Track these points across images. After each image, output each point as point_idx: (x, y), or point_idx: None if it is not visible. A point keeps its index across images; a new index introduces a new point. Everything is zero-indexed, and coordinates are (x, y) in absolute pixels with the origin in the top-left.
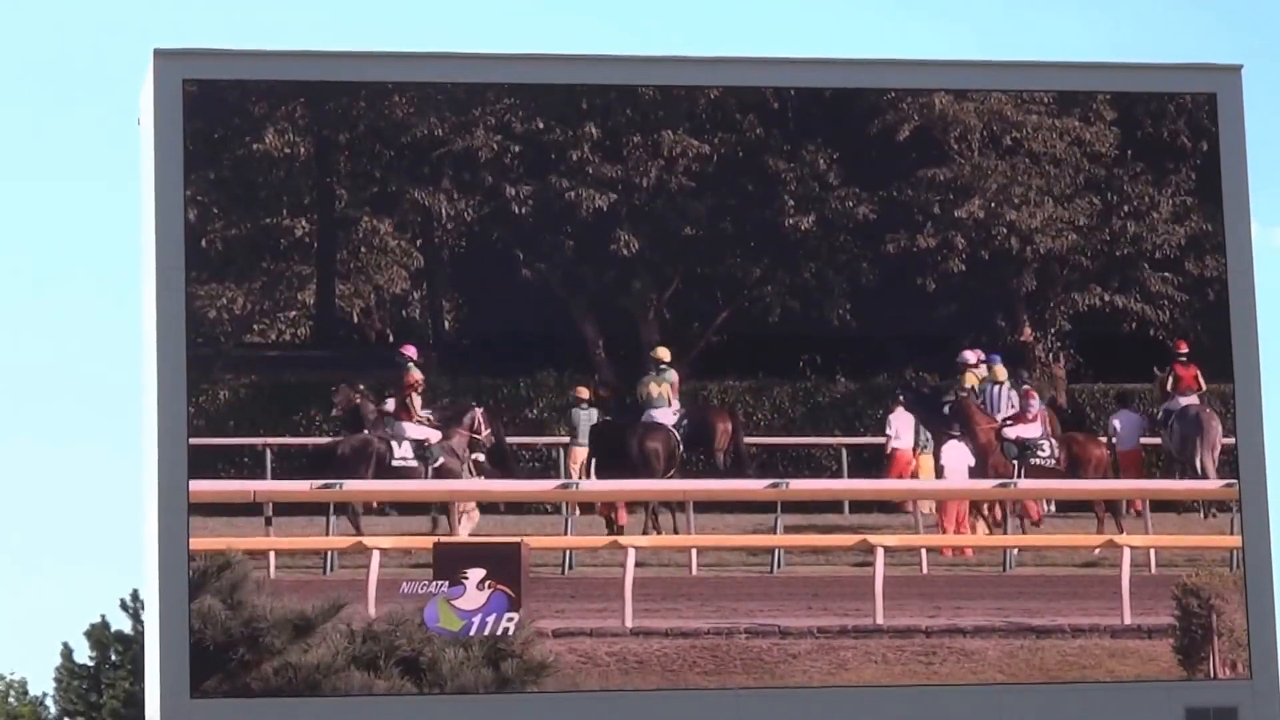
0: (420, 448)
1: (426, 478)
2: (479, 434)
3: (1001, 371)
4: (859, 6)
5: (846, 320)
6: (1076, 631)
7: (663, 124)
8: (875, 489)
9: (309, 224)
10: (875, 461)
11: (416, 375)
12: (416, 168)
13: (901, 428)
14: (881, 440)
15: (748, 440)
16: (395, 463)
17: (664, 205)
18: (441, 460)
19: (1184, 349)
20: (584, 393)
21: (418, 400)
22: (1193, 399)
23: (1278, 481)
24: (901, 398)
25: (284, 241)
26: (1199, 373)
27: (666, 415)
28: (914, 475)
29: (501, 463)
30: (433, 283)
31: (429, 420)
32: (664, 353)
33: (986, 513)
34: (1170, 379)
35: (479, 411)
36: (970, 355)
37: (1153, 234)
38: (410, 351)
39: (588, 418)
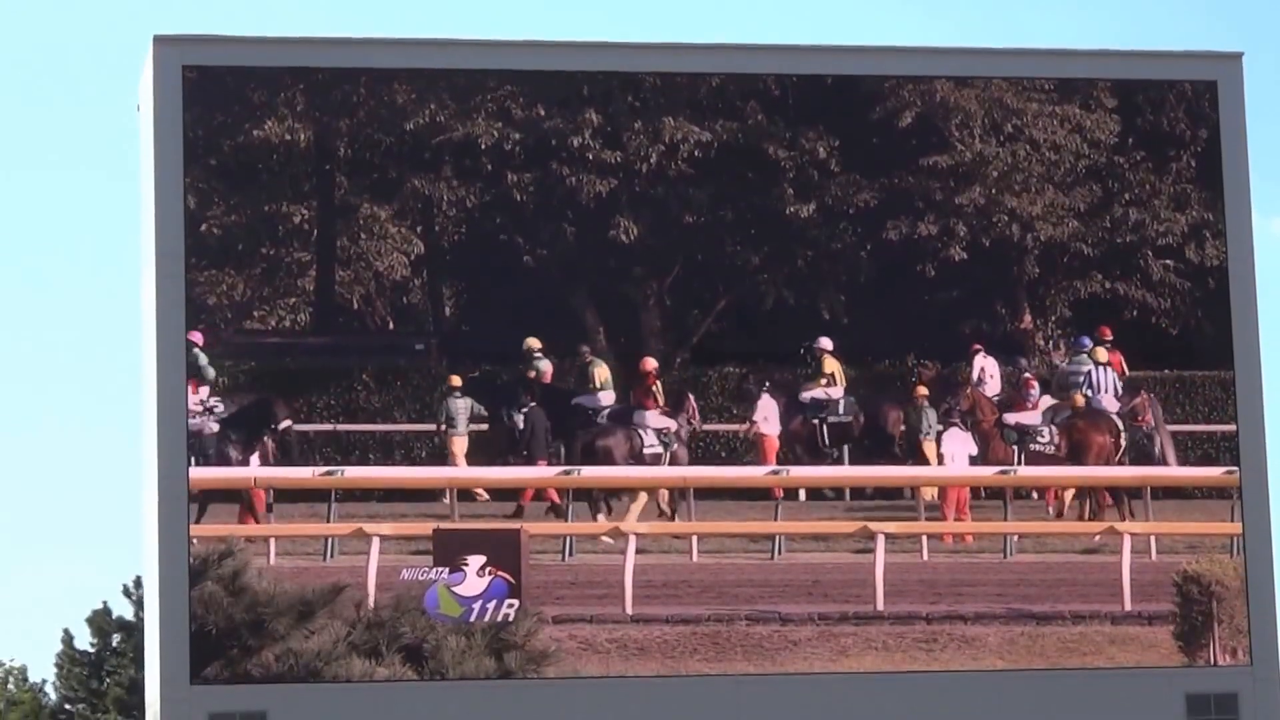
0: (663, 436)
1: (666, 464)
2: (694, 419)
3: (1102, 353)
4: None
5: (846, 307)
6: (1077, 618)
7: (663, 111)
8: (876, 476)
9: (309, 211)
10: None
11: (653, 363)
12: (417, 155)
13: (769, 413)
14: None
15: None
16: (646, 451)
17: (665, 192)
18: (675, 447)
19: (1109, 335)
20: (456, 381)
21: (659, 389)
22: (1121, 385)
23: (1278, 469)
24: (766, 385)
25: (284, 228)
26: (1123, 359)
27: (607, 397)
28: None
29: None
30: (433, 270)
31: (665, 409)
32: (534, 342)
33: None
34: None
35: (692, 398)
36: (825, 342)
37: (1154, 221)
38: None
39: (465, 407)
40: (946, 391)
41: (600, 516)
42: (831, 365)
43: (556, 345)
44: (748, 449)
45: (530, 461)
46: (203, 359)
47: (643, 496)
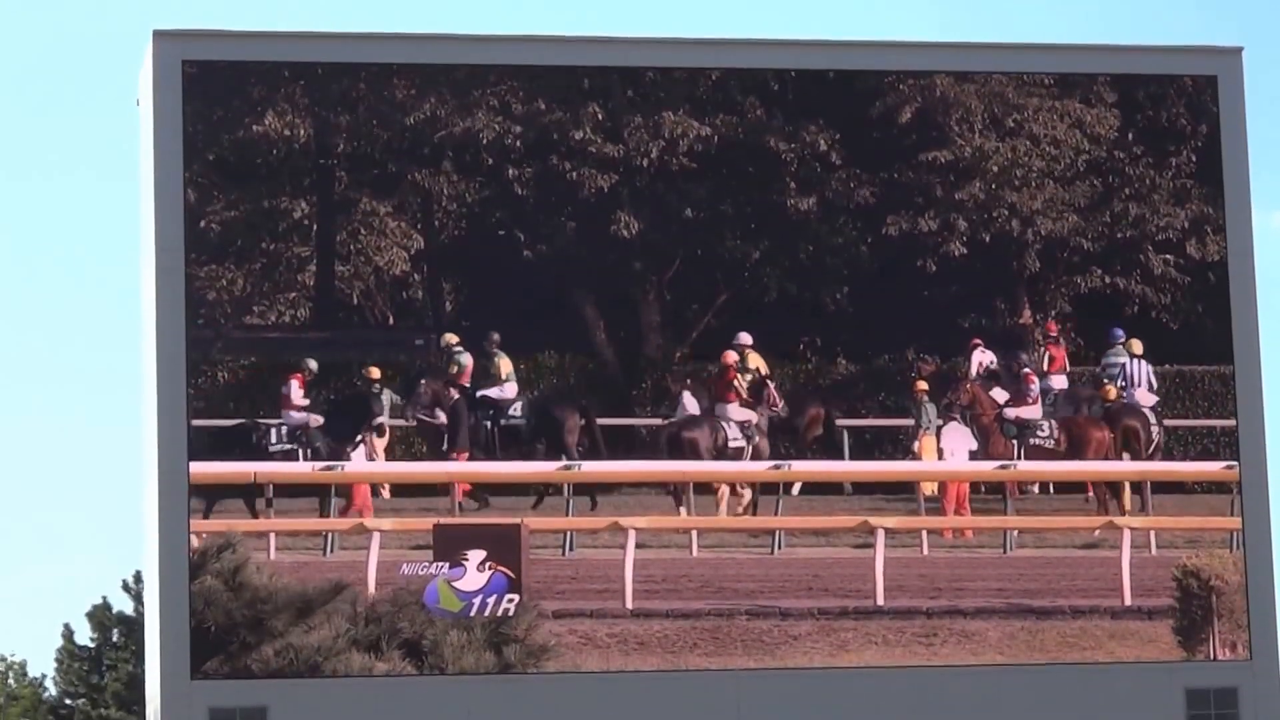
0: (745, 429)
1: (748, 458)
2: (775, 408)
3: (1138, 345)
4: None
5: (847, 302)
6: (1076, 613)
7: (663, 105)
8: (876, 471)
9: (308, 206)
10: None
11: (734, 356)
12: (416, 149)
13: (691, 409)
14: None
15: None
16: (730, 445)
17: (665, 187)
18: (757, 440)
19: (1054, 330)
20: (375, 373)
21: (742, 382)
22: (1064, 380)
23: (1278, 463)
24: (687, 382)
25: (283, 223)
26: (1066, 355)
27: (510, 389)
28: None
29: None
30: (433, 264)
31: (747, 401)
32: (452, 337)
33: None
34: (1046, 360)
35: (773, 386)
36: (745, 337)
37: (1154, 216)
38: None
39: (387, 400)
40: (946, 387)
41: (682, 510)
42: (755, 361)
43: (557, 340)
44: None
45: (454, 454)
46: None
47: (725, 490)
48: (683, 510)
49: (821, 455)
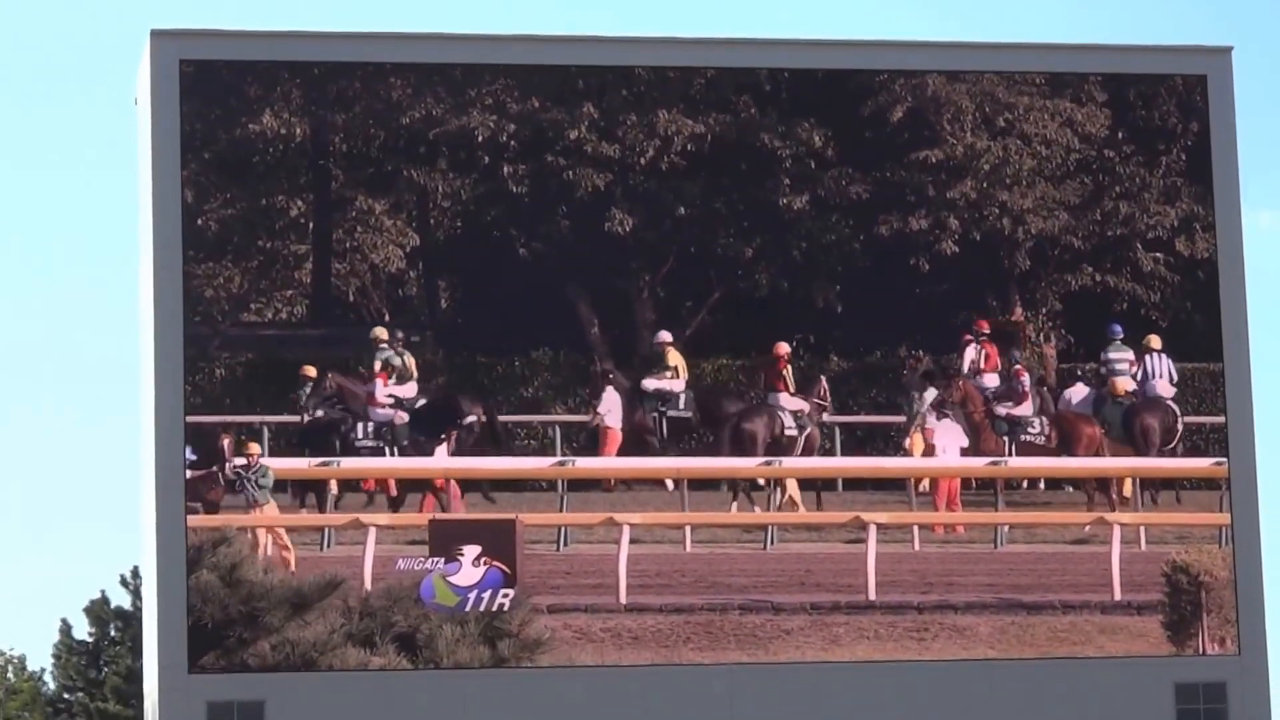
0: (798, 418)
1: (800, 451)
2: (825, 401)
3: (1155, 340)
4: None
5: (839, 300)
6: (1067, 608)
7: (658, 104)
8: (867, 467)
9: (305, 204)
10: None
11: (785, 348)
12: (412, 148)
13: (612, 406)
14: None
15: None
16: (785, 434)
17: (659, 185)
18: (810, 430)
19: (986, 328)
20: (311, 371)
21: (789, 373)
22: (995, 379)
23: (1266, 459)
24: (611, 376)
25: (280, 221)
26: (997, 352)
27: (412, 389)
28: (907, 453)
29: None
30: (429, 262)
31: (797, 392)
32: (381, 331)
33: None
34: (982, 358)
35: (824, 380)
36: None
37: (1144, 215)
38: (665, 335)
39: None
40: (934, 381)
41: (734, 506)
42: (675, 359)
43: (551, 337)
44: (590, 440)
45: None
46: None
47: (792, 484)
48: (734, 506)
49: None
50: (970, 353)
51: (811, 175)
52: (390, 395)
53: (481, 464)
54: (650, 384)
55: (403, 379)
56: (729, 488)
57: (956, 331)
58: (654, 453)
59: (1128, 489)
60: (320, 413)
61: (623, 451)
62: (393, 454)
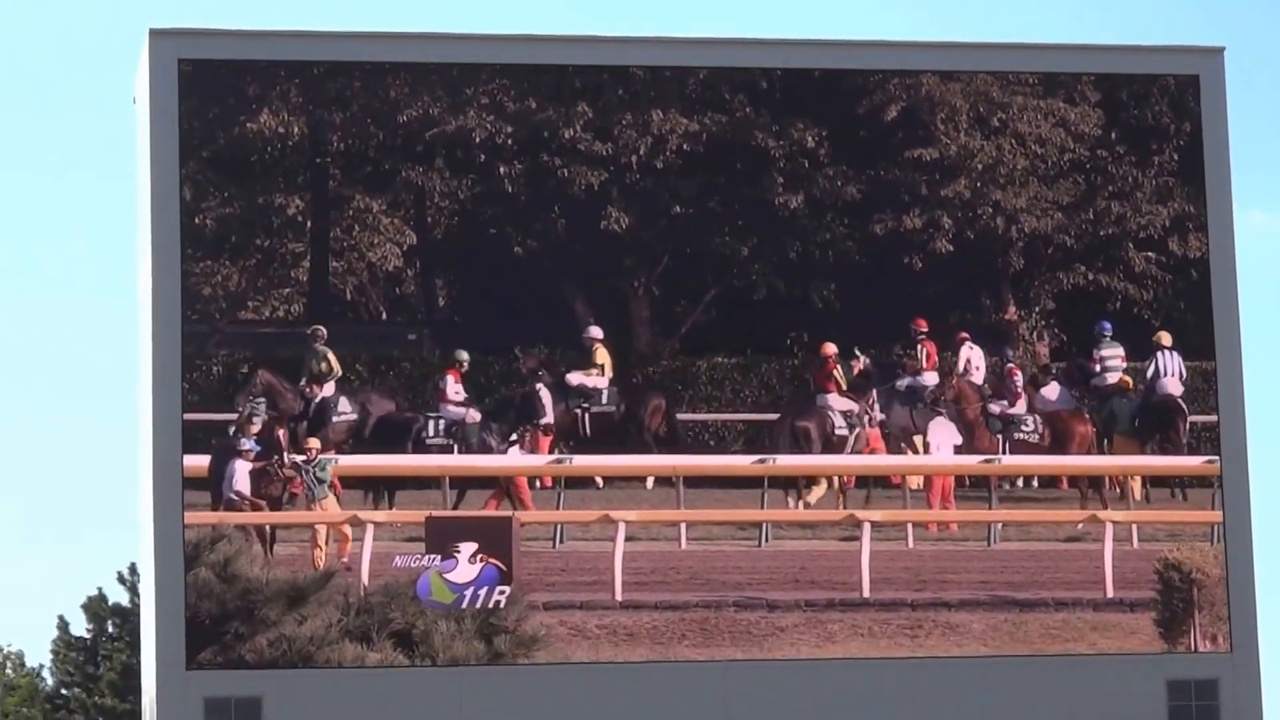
0: (848, 418)
1: (851, 448)
2: (872, 411)
3: (1166, 337)
4: None
5: (833, 298)
6: (1059, 605)
7: (653, 104)
8: (859, 465)
9: (303, 202)
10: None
11: (833, 348)
12: (409, 147)
13: (549, 405)
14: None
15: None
16: (836, 433)
17: (654, 184)
18: (859, 430)
19: (924, 326)
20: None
21: (840, 373)
22: (935, 377)
23: (1258, 458)
24: (540, 373)
25: (278, 220)
26: (935, 350)
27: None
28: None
29: None
30: (426, 260)
31: (848, 393)
32: (321, 330)
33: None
34: (924, 357)
35: (874, 391)
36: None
37: (1136, 214)
38: (596, 332)
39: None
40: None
41: (791, 501)
42: (602, 355)
43: (548, 335)
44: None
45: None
46: (463, 354)
47: (823, 483)
48: (791, 502)
49: (669, 449)
50: (966, 352)
51: (806, 174)
52: (458, 393)
53: (477, 461)
54: (575, 379)
55: (322, 380)
56: (785, 488)
57: (951, 330)
58: (579, 448)
59: (1137, 491)
60: (246, 410)
61: (550, 449)
62: (461, 452)
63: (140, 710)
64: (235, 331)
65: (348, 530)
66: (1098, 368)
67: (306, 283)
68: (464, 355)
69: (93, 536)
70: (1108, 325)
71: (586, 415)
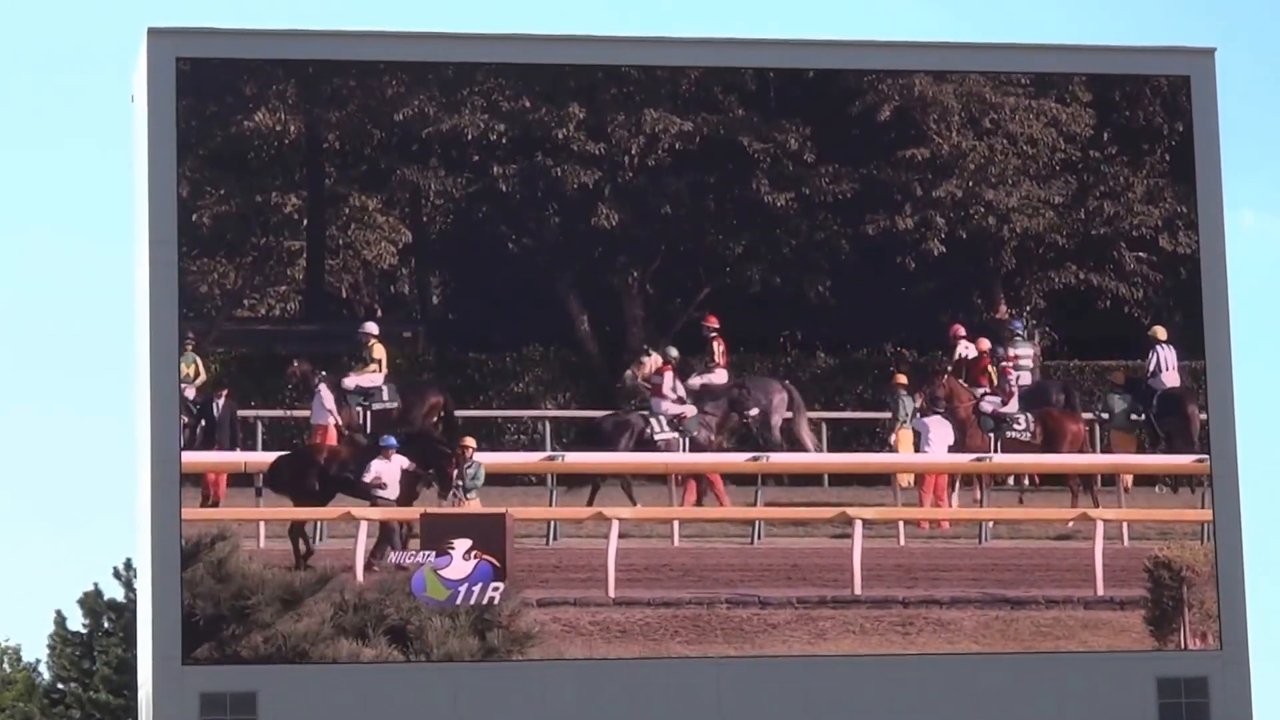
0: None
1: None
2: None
3: (1161, 331)
4: None
5: (826, 296)
6: (1050, 603)
7: (646, 103)
8: (853, 463)
9: (299, 200)
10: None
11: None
12: (405, 146)
13: (329, 404)
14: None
15: None
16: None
17: (647, 182)
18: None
19: (715, 323)
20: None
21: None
22: (725, 375)
23: (1248, 456)
24: (323, 374)
25: (274, 217)
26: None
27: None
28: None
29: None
30: (421, 259)
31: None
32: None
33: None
34: (717, 354)
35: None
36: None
37: (1128, 214)
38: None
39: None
40: (923, 380)
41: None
42: (380, 351)
43: (541, 333)
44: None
45: (219, 448)
46: (673, 350)
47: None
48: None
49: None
50: (961, 349)
51: (799, 173)
52: (675, 388)
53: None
54: (350, 381)
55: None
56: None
57: (943, 329)
58: (365, 447)
59: (1129, 483)
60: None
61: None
62: (686, 445)
63: (136, 705)
64: (232, 329)
65: None
66: (1011, 368)
67: (303, 280)
68: (674, 352)
69: (89, 532)
70: (1018, 324)
71: (368, 413)
